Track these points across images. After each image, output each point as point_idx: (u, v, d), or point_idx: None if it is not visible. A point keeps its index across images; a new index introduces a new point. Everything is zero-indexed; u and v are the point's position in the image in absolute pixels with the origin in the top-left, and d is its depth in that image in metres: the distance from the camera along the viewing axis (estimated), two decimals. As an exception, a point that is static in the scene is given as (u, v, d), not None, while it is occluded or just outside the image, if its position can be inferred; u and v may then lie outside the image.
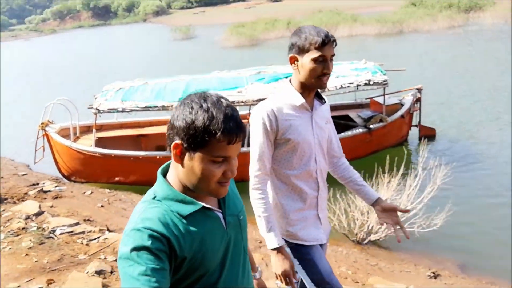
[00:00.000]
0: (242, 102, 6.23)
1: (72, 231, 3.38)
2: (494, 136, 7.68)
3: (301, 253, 1.83)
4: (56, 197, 5.71)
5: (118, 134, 7.65)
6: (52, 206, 5.15)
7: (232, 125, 1.06)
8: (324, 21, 27.57)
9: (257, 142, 1.75)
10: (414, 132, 7.85)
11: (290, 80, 1.84)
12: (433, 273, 4.04)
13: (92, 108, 6.45)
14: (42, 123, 6.97)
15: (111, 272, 2.71)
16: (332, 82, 6.52)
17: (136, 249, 1.00)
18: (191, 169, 1.09)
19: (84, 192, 6.13)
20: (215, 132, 1.04)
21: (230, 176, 1.12)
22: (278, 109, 1.75)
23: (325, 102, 1.89)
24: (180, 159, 1.09)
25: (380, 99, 7.37)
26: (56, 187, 6.25)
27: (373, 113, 7.32)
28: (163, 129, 7.57)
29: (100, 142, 7.17)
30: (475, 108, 9.29)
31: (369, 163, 5.59)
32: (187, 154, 1.08)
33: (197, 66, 16.31)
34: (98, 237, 3.29)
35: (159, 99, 6.33)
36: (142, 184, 6.76)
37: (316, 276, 1.80)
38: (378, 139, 7.03)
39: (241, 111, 6.65)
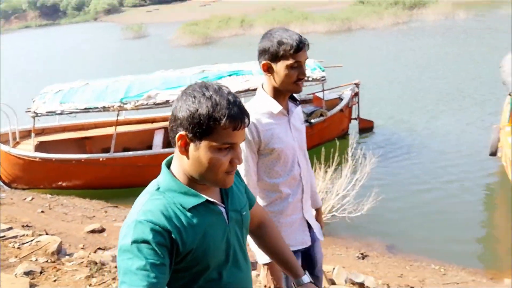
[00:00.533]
0: None
1: (4, 236, 3.38)
2: (427, 126, 8.24)
3: None
4: (-6, 204, 5.57)
5: (61, 138, 7.52)
6: (-11, 214, 5.03)
7: (237, 111, 1.05)
8: (276, 19, 27.99)
9: (242, 157, 1.69)
10: (354, 125, 8.27)
11: (262, 86, 1.81)
12: (362, 254, 4.36)
13: (29, 111, 6.32)
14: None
15: (41, 273, 2.76)
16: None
17: (137, 242, 0.99)
18: (198, 160, 1.08)
19: (25, 199, 6.01)
20: (220, 118, 1.04)
21: (237, 164, 1.11)
22: (258, 120, 1.73)
23: (299, 103, 1.89)
24: (185, 151, 1.08)
25: (320, 95, 7.70)
26: (-4, 194, 6.09)
27: (315, 108, 7.64)
28: (108, 130, 7.51)
29: (42, 147, 7.03)
30: (411, 100, 9.89)
31: (310, 155, 5.90)
32: (192, 144, 1.07)
33: (148, 66, 16.09)
34: (31, 240, 3.31)
35: (100, 100, 6.31)
36: (86, 188, 6.73)
37: None
38: (320, 133, 7.35)
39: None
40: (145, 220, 1.01)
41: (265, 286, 1.75)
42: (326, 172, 5.18)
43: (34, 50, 32.56)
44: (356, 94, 7.99)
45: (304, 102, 8.46)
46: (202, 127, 1.04)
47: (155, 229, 1.01)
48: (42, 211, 5.46)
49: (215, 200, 1.15)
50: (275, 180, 1.80)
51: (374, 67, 14.03)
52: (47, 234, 4.15)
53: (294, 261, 1.45)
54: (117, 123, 6.74)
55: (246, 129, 1.65)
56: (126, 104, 6.18)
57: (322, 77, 6.94)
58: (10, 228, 3.57)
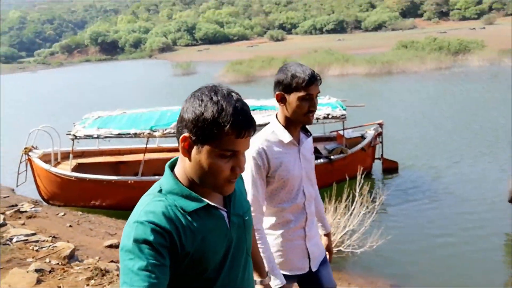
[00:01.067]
0: None
1: (27, 239, 3.79)
2: (451, 170, 8.12)
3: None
4: (30, 217, 6.11)
5: (98, 161, 8.15)
6: (23, 224, 5.56)
7: (242, 119, 1.05)
8: (317, 60, 28.61)
9: (250, 182, 1.78)
10: (379, 165, 8.31)
11: (276, 115, 1.88)
12: (362, 290, 4.39)
13: (70, 134, 6.98)
14: (25, 148, 7.50)
15: (50, 272, 3.11)
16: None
17: (138, 242, 1.00)
18: (199, 163, 1.08)
19: (58, 214, 6.55)
20: (224, 124, 1.04)
21: (239, 172, 1.11)
22: (268, 147, 1.80)
23: (310, 134, 1.95)
24: (187, 153, 1.09)
25: (343, 132, 7.88)
26: (32, 208, 6.67)
27: (337, 145, 7.81)
28: (141, 156, 8.06)
29: (81, 168, 7.66)
30: (441, 143, 9.78)
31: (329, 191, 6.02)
32: (195, 147, 1.08)
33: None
34: (49, 246, 3.69)
35: (133, 127, 6.87)
36: (116, 209, 7.18)
37: None
38: (339, 170, 7.46)
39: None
40: (146, 221, 1.02)
41: None
42: (336, 207, 5.31)
43: (91, 82, 35.03)
44: (380, 134, 8.09)
45: (329, 139, 8.67)
46: (205, 131, 1.05)
47: (156, 230, 1.02)
48: (70, 226, 5.94)
49: (217, 205, 1.15)
50: (278, 205, 1.86)
51: (408, 108, 14.02)
52: (66, 241, 4.56)
53: (261, 265, 1.61)
54: (148, 150, 7.27)
55: (256, 155, 1.76)
56: (155, 131, 6.70)
57: (342, 115, 7.16)
58: (34, 234, 3.99)
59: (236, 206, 1.22)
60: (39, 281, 2.89)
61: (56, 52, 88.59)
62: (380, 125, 8.10)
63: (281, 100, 1.81)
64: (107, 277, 3.25)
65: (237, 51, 56.87)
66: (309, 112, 1.78)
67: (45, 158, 7.71)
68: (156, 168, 7.79)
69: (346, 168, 7.62)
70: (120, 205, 7.14)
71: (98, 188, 7.07)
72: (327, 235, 2.15)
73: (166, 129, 6.71)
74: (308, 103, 1.77)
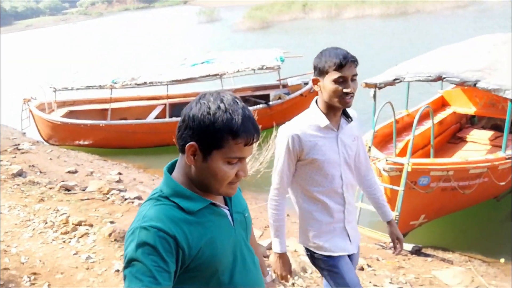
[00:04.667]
0: None
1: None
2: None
3: (329, 265, 1.95)
4: (24, 153, 7.94)
5: (88, 108, 9.81)
6: (14, 157, 7.37)
7: (250, 127, 1.07)
8: (335, 2, 28.27)
9: (279, 160, 1.87)
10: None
11: (316, 101, 1.89)
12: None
13: (51, 87, 8.62)
14: (24, 99, 9.26)
15: (-6, 183, 4.78)
16: (231, 67, 8.20)
17: (142, 248, 1.00)
18: (205, 170, 1.09)
19: (46, 151, 8.34)
20: (234, 133, 1.04)
21: (243, 176, 1.13)
22: (302, 131, 1.82)
23: (352, 120, 1.92)
24: (194, 160, 1.09)
25: (286, 81, 8.93)
26: (29, 146, 8.51)
27: (278, 92, 8.90)
28: (124, 104, 9.66)
29: (72, 114, 9.37)
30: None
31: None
32: (201, 154, 1.08)
33: (205, 48, 17.80)
34: (6, 167, 5.39)
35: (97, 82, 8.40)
36: (93, 147, 8.88)
37: None
38: (278, 114, 8.61)
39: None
40: (149, 226, 1.02)
41: (275, 271, 1.94)
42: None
43: (119, 36, 36.60)
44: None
45: (283, 86, 9.73)
46: (214, 140, 1.05)
47: (160, 235, 1.01)
48: (51, 159, 7.69)
49: (218, 203, 1.17)
50: (314, 188, 1.89)
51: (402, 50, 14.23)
52: (40, 171, 6.30)
53: (261, 262, 1.53)
54: (128, 99, 8.82)
55: (289, 139, 1.80)
56: (116, 83, 8.15)
57: (276, 65, 8.18)
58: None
59: (236, 204, 1.24)
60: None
61: (97, 2, 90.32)
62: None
63: (317, 85, 1.83)
64: (33, 185, 4.86)
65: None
66: (344, 94, 1.76)
67: (42, 107, 9.47)
68: (137, 114, 9.33)
69: (284, 112, 8.76)
70: (94, 144, 8.83)
71: (78, 130, 8.75)
72: (390, 222, 2.12)
73: (124, 82, 8.14)
74: (343, 86, 1.75)
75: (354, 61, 1.77)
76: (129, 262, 1.00)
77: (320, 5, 29.36)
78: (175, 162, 1.18)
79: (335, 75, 1.75)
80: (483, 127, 7.20)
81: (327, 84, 1.77)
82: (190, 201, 1.10)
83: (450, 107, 7.29)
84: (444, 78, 4.77)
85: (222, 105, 1.05)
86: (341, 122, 1.88)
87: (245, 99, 9.04)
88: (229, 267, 1.16)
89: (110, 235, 3.20)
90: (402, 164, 4.26)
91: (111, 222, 3.55)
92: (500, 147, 4.91)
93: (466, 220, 5.15)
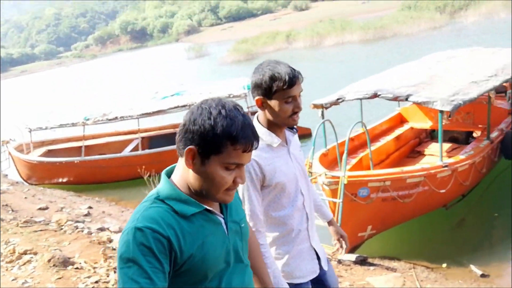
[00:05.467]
0: None
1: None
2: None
3: None
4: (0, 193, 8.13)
5: (65, 146, 10.07)
6: (-11, 198, 7.54)
7: (249, 133, 1.09)
8: (316, 31, 29.20)
9: (246, 198, 1.71)
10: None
11: (257, 118, 1.78)
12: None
13: (27, 128, 8.92)
14: (3, 141, 9.54)
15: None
16: (199, 98, 8.52)
17: (137, 249, 1.01)
18: (203, 175, 1.10)
19: (23, 190, 8.53)
20: (234, 139, 1.06)
21: (240, 183, 1.13)
22: (258, 156, 1.70)
23: (296, 131, 1.86)
24: (192, 164, 1.10)
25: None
26: (7, 187, 8.70)
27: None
28: (101, 140, 9.94)
29: (50, 153, 9.61)
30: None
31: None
32: (200, 159, 1.09)
33: (189, 81, 18.34)
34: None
35: (76, 119, 8.71)
36: (70, 184, 9.08)
37: None
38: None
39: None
40: (144, 227, 1.03)
41: None
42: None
43: (106, 77, 37.41)
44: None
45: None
46: (214, 145, 1.07)
47: (154, 236, 1.02)
48: (25, 197, 7.87)
49: (214, 210, 1.17)
50: (280, 213, 1.80)
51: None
52: (12, 209, 6.48)
53: (264, 274, 1.49)
54: (106, 135, 9.12)
55: (249, 167, 1.67)
56: (88, 120, 8.45)
57: (243, 93, 8.51)
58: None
59: (232, 213, 1.24)
60: None
61: (91, 45, 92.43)
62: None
63: (262, 105, 1.72)
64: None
65: (258, 26, 57.20)
66: (293, 114, 1.70)
67: (20, 148, 9.72)
68: (114, 149, 9.56)
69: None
70: (73, 181, 9.04)
71: (55, 168, 8.97)
72: (331, 221, 2.10)
73: (96, 118, 8.44)
74: (292, 105, 1.68)
75: (300, 77, 1.69)
76: (125, 263, 1.01)
77: (302, 35, 30.29)
78: (174, 166, 1.20)
79: (284, 95, 1.65)
80: (445, 140, 7.46)
81: (275, 105, 1.68)
82: (185, 205, 1.11)
83: (408, 123, 7.57)
84: (379, 95, 5.05)
85: (223, 111, 1.08)
86: (287, 135, 1.83)
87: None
88: (219, 275, 1.16)
89: (49, 260, 3.36)
90: (339, 177, 4.46)
91: (57, 250, 3.72)
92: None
93: (418, 230, 5.29)
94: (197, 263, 1.09)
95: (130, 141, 9.68)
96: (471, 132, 7.07)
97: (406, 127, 7.44)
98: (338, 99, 5.47)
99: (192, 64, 32.70)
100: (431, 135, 7.88)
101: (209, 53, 38.14)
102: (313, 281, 1.92)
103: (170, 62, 38.43)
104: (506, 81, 5.60)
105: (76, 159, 8.76)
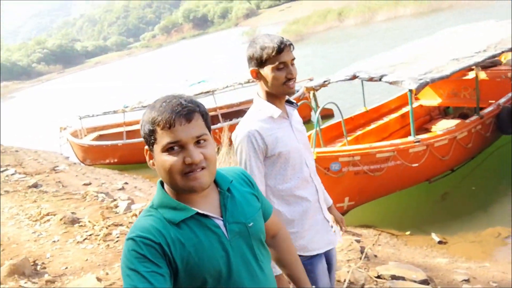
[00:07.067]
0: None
1: (19, 178, 7.04)
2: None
3: (307, 269, 1.74)
4: (57, 172, 9.58)
5: (114, 131, 11.40)
6: (47, 176, 8.99)
7: (168, 107, 1.07)
8: (367, 6, 28.44)
9: (248, 167, 1.74)
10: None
11: (257, 94, 1.82)
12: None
13: (78, 116, 10.30)
14: (60, 127, 11.06)
15: (14, 191, 6.19)
16: (221, 84, 9.24)
17: (132, 257, 1.04)
18: (158, 168, 1.11)
19: (76, 170, 9.94)
20: (154, 120, 1.07)
21: (190, 162, 1.08)
22: (260, 127, 1.73)
23: (297, 105, 1.90)
24: (152, 164, 1.14)
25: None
26: (64, 167, 10.19)
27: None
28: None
29: (101, 138, 11.00)
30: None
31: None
32: (152, 156, 1.13)
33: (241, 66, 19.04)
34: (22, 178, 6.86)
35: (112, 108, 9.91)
36: (118, 164, 10.36)
37: None
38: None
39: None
40: (135, 236, 1.06)
41: None
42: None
43: (170, 61, 39.32)
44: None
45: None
46: (148, 136, 1.10)
47: (146, 243, 1.05)
48: (76, 175, 9.22)
49: (208, 213, 1.14)
50: (287, 184, 1.81)
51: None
52: (62, 185, 7.79)
53: (303, 278, 1.46)
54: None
55: (251, 137, 1.71)
56: (127, 107, 9.58)
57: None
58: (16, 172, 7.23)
59: (235, 214, 1.19)
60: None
61: (157, 34, 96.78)
62: (310, 80, 9.74)
63: (257, 76, 1.77)
64: (43, 194, 6.20)
65: (313, 5, 56.20)
66: (287, 80, 1.72)
67: (76, 133, 11.20)
68: None
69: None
70: (119, 162, 10.31)
71: (102, 150, 10.29)
72: (331, 207, 2.10)
73: (133, 106, 9.55)
74: (284, 72, 1.71)
75: (290, 45, 1.73)
76: (125, 272, 1.05)
77: (354, 12, 29.66)
78: None
79: (274, 62, 1.69)
80: (453, 117, 7.51)
81: (268, 73, 1.72)
82: (174, 211, 1.11)
83: (418, 100, 7.70)
84: (357, 76, 5.39)
85: (153, 104, 1.12)
86: (287, 109, 1.85)
87: (239, 112, 10.05)
88: (222, 280, 1.13)
89: (61, 219, 4.33)
90: (310, 153, 4.95)
91: (72, 213, 4.70)
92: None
93: (399, 202, 5.62)
94: (193, 269, 1.09)
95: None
96: (483, 108, 7.07)
97: (415, 105, 7.58)
98: (325, 81, 5.87)
99: (240, 49, 33.34)
100: (445, 112, 7.93)
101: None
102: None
103: (226, 47, 39.44)
104: (494, 56, 5.61)
105: (119, 142, 9.98)
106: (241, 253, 1.17)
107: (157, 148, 1.09)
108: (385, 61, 5.86)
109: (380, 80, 5.18)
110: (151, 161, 1.14)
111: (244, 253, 1.18)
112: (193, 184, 1.10)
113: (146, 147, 1.13)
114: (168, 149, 1.08)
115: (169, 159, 1.08)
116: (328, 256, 1.96)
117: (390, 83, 5.08)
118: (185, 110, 1.09)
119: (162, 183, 1.18)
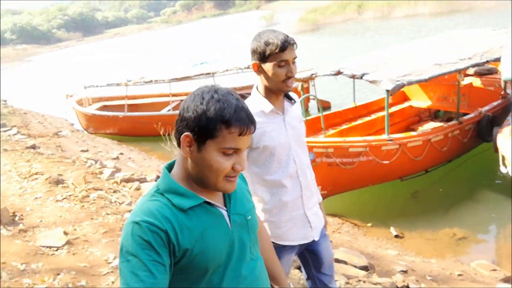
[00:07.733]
0: None
1: (19, 139, 7.45)
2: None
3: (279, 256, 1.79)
4: (59, 137, 9.99)
5: (118, 103, 11.76)
6: (49, 139, 9.41)
7: (243, 116, 1.07)
8: (386, 1, 28.15)
9: (245, 164, 1.62)
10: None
11: (257, 87, 1.87)
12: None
13: (84, 86, 10.67)
14: (66, 95, 11.45)
15: (11, 150, 6.60)
16: (221, 67, 9.49)
17: (135, 242, 1.02)
18: (200, 161, 1.09)
19: (78, 136, 10.35)
20: (227, 122, 1.05)
21: (239, 170, 1.11)
22: None
23: (295, 102, 1.91)
24: (189, 152, 1.10)
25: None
26: (67, 133, 10.61)
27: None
28: (147, 100, 11.46)
29: (105, 108, 11.38)
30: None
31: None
32: (197, 146, 1.08)
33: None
34: (24, 141, 7.27)
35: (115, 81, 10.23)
36: (118, 134, 10.73)
37: None
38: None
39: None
40: (141, 221, 1.04)
41: None
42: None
43: (182, 43, 39.44)
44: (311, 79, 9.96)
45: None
46: (208, 129, 1.06)
47: (152, 230, 1.03)
48: (77, 142, 9.63)
49: (215, 202, 1.16)
50: (270, 176, 1.86)
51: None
52: (61, 149, 8.18)
53: (279, 273, 1.48)
54: (153, 96, 10.60)
55: None
56: (129, 81, 9.90)
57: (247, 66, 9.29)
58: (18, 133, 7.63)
59: (236, 205, 1.22)
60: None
61: (178, 11, 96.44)
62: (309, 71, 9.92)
63: (258, 70, 1.81)
64: (38, 155, 6.60)
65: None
66: (286, 78, 1.77)
67: (81, 102, 11.59)
68: (160, 108, 10.99)
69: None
70: (119, 133, 10.69)
71: (104, 121, 10.67)
72: (319, 204, 2.12)
73: (136, 80, 9.87)
74: (285, 70, 1.75)
75: (294, 44, 1.77)
76: (125, 256, 1.03)
77: (373, 5, 29.36)
78: (175, 161, 1.20)
79: (277, 59, 1.73)
80: (442, 120, 7.68)
81: (269, 69, 1.76)
82: (183, 198, 1.10)
83: (409, 101, 7.87)
84: (341, 72, 5.60)
85: (215, 95, 1.07)
86: (285, 105, 1.88)
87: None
88: (221, 269, 1.15)
89: (46, 179, 4.69)
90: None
91: (59, 174, 5.06)
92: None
93: (371, 196, 5.88)
94: (196, 257, 1.09)
95: (168, 103, 11.05)
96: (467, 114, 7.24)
97: (405, 105, 7.76)
98: (312, 74, 6.10)
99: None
100: (435, 115, 8.09)
101: (279, 22, 38.25)
102: (308, 251, 2.01)
103: (244, 30, 39.30)
104: (477, 65, 5.76)
105: (120, 114, 10.35)
106: (240, 243, 1.20)
107: (212, 144, 1.07)
108: (373, 60, 6.06)
109: (361, 78, 5.39)
110: (187, 148, 1.10)
111: (243, 243, 1.21)
112: (229, 188, 1.14)
113: (188, 133, 1.08)
114: (225, 151, 1.08)
115: (222, 161, 1.08)
116: (315, 248, 1.99)
117: (370, 81, 5.29)
118: (253, 121, 1.11)
119: (168, 168, 1.18)
